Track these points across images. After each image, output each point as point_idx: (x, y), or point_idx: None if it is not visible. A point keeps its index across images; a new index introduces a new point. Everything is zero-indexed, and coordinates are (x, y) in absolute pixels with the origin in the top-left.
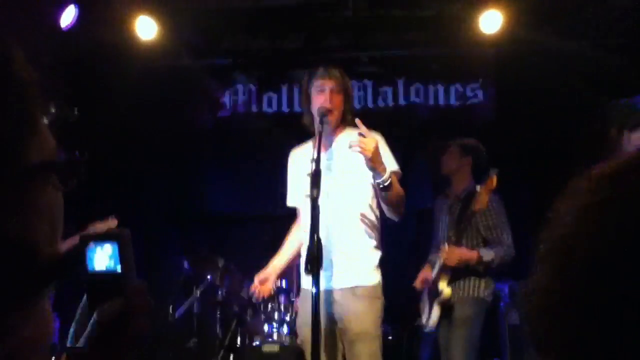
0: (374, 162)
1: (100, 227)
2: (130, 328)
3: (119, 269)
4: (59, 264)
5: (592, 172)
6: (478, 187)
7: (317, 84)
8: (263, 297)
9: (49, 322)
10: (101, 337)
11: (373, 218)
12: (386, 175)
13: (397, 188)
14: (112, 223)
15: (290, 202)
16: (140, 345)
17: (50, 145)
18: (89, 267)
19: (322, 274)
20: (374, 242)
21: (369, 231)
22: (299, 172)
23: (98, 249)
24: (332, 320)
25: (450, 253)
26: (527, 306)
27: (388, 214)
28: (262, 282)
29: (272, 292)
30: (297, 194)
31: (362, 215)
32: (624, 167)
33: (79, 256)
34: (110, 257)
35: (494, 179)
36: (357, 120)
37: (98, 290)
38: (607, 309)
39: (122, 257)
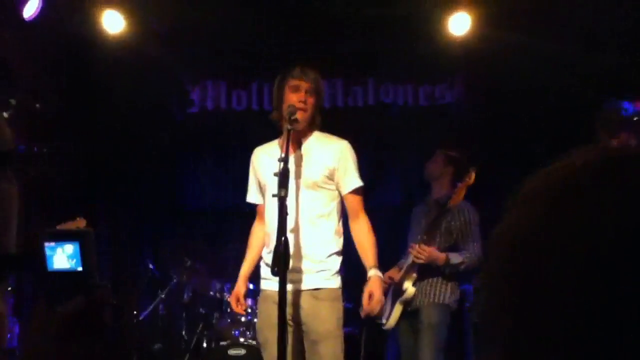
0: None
1: (68, 226)
2: (94, 325)
3: (79, 268)
4: (10, 258)
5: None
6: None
7: (292, 82)
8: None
9: (3, 326)
10: (64, 332)
11: (335, 223)
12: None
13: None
14: (80, 223)
15: (250, 198)
16: (102, 341)
17: (6, 138)
18: (49, 266)
19: (289, 276)
20: (336, 247)
21: (333, 235)
22: (263, 170)
23: (59, 248)
24: (294, 321)
25: (420, 250)
26: (479, 300)
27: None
28: (238, 303)
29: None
30: (258, 192)
31: (326, 219)
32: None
33: (35, 252)
34: (72, 257)
35: (472, 175)
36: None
37: (58, 288)
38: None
39: (84, 257)
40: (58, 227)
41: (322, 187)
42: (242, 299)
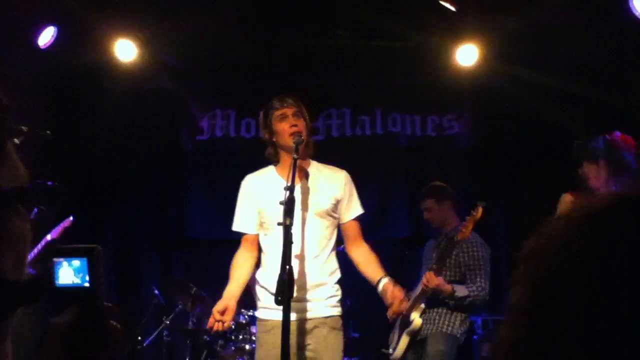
0: None
1: (55, 231)
2: (104, 347)
3: (87, 284)
4: (24, 289)
5: (568, 213)
6: (465, 219)
7: (277, 113)
8: (225, 329)
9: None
10: (60, 344)
11: (335, 252)
12: None
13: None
14: (67, 223)
15: (238, 227)
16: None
17: (22, 172)
18: (55, 282)
19: (295, 304)
20: (339, 275)
21: (336, 263)
22: (263, 198)
23: (65, 264)
24: (301, 350)
25: (429, 277)
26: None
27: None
28: (223, 313)
29: (232, 325)
30: (249, 221)
31: (331, 247)
32: (597, 211)
33: (46, 279)
34: (79, 272)
35: (480, 211)
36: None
37: (65, 304)
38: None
39: (92, 273)
40: (51, 232)
41: (329, 216)
42: (217, 316)
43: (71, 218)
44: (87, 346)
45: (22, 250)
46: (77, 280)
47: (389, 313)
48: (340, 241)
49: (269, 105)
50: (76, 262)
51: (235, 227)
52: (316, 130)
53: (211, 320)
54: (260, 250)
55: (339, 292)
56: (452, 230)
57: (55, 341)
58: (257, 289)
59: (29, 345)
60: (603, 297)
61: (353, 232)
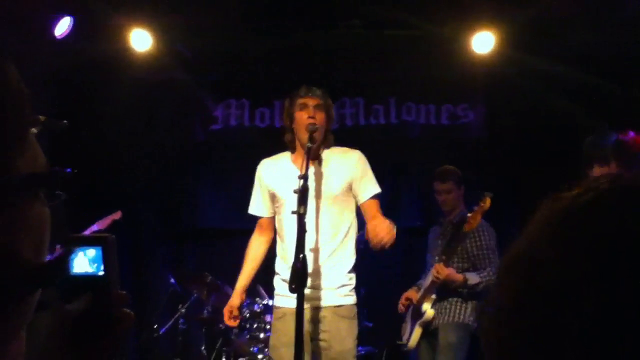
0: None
1: (107, 221)
2: (111, 334)
3: (101, 272)
4: (42, 271)
5: (553, 204)
6: (471, 211)
7: (300, 101)
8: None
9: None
10: (73, 332)
11: (353, 239)
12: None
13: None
14: (116, 216)
15: (253, 210)
16: (119, 353)
17: (41, 161)
18: (70, 271)
19: (307, 292)
20: (354, 262)
21: (352, 250)
22: (277, 184)
23: (80, 253)
24: (313, 338)
25: (439, 269)
26: (483, 320)
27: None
28: (230, 315)
29: (240, 318)
30: (263, 204)
31: (345, 234)
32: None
33: (64, 262)
34: (93, 261)
35: (487, 201)
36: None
37: (78, 293)
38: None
39: (106, 262)
40: (98, 222)
41: (342, 200)
42: (235, 311)
43: (120, 212)
44: (98, 333)
45: (41, 235)
46: (91, 269)
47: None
48: (360, 226)
49: (296, 91)
50: (91, 251)
51: (250, 210)
52: None
53: (228, 320)
54: (275, 233)
55: (353, 281)
56: (457, 216)
57: (66, 328)
58: (275, 277)
59: (42, 336)
60: (594, 295)
61: (371, 212)
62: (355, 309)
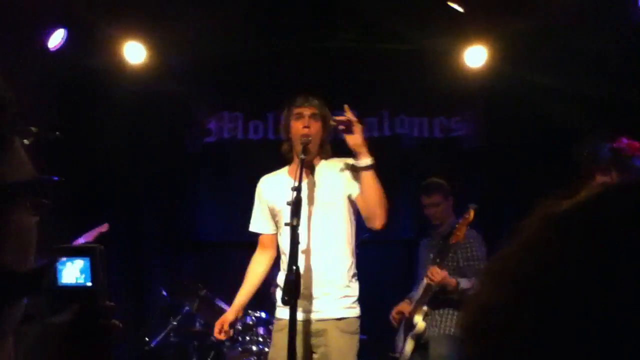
0: (359, 141)
1: (94, 233)
2: (99, 345)
3: (89, 283)
4: (26, 279)
5: (545, 211)
6: (457, 222)
7: (295, 111)
8: (227, 337)
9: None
10: (61, 343)
11: (352, 247)
12: (369, 158)
13: (378, 182)
14: (103, 228)
15: (254, 227)
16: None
17: (27, 169)
18: (58, 281)
19: (305, 304)
20: (354, 272)
21: (351, 261)
22: (276, 199)
23: (69, 263)
24: (313, 352)
25: (435, 271)
26: (466, 320)
27: (369, 215)
28: (221, 329)
29: (232, 334)
30: (263, 221)
31: (343, 241)
32: (572, 211)
33: (49, 270)
34: (82, 272)
35: (472, 213)
36: (345, 106)
37: (66, 303)
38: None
39: (94, 273)
40: (84, 235)
41: (339, 210)
42: (226, 327)
43: (107, 224)
44: (86, 343)
45: (27, 244)
46: (79, 280)
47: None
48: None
49: (292, 101)
50: (79, 262)
51: (251, 227)
52: None
53: (217, 331)
54: (278, 249)
55: (356, 292)
56: (447, 229)
57: (54, 338)
58: (277, 289)
59: (30, 347)
60: (591, 294)
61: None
62: (357, 323)
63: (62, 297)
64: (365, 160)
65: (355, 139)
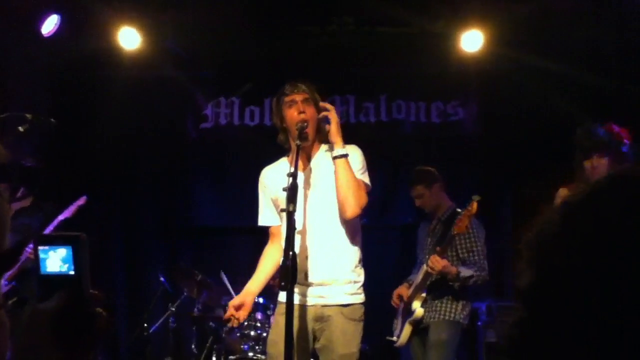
0: (334, 130)
1: (68, 210)
2: (88, 332)
3: (72, 272)
4: (2, 259)
5: (556, 204)
6: (459, 210)
7: (286, 99)
8: (239, 323)
9: (4, 337)
10: (49, 330)
11: (357, 234)
12: (342, 148)
13: (350, 172)
14: (80, 201)
15: (262, 221)
16: (97, 349)
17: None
18: (42, 270)
19: (310, 290)
20: (359, 256)
21: (355, 247)
22: (277, 189)
23: (52, 252)
24: (316, 337)
25: (436, 260)
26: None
27: (340, 203)
28: (238, 308)
29: (242, 319)
30: (271, 213)
31: (348, 231)
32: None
33: (19, 249)
34: (65, 261)
35: (475, 205)
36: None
37: (50, 292)
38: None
39: (77, 261)
40: (63, 212)
41: (334, 197)
42: (232, 311)
43: (85, 197)
44: (72, 331)
45: (2, 228)
46: (63, 269)
47: None
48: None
49: (281, 90)
50: (62, 251)
51: (260, 222)
52: None
53: (227, 314)
54: None
55: (361, 277)
56: (445, 213)
57: (40, 326)
58: None
59: (22, 331)
60: (602, 280)
61: None
62: (362, 310)
63: (46, 286)
64: (338, 150)
65: (330, 128)
